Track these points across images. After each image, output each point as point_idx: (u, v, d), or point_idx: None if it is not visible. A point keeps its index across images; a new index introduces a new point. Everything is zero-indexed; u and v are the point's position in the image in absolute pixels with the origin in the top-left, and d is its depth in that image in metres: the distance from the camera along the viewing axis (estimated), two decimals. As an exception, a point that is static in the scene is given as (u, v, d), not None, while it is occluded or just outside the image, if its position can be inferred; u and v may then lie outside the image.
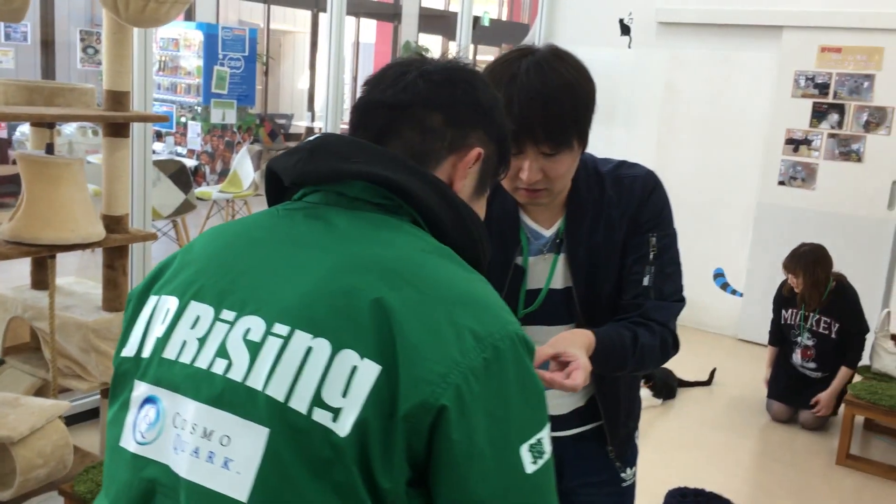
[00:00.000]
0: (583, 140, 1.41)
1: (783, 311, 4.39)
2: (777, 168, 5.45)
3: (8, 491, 2.19)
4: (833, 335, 4.19)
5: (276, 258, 0.89)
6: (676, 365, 4.62)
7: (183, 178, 6.02)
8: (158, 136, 9.71)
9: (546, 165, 1.37)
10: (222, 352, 0.84)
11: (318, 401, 0.79)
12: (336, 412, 0.78)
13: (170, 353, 0.88)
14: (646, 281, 1.46)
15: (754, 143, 5.57)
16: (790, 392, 4.34)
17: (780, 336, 4.44)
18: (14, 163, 2.79)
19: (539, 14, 6.34)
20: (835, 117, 5.24)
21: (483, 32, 13.66)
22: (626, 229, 1.48)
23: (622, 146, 6.01)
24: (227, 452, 0.81)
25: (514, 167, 1.36)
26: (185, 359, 0.87)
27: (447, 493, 0.80)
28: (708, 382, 4.82)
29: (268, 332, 0.83)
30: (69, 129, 7.27)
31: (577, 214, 1.49)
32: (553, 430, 0.98)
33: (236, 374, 0.83)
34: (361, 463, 0.78)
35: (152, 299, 0.95)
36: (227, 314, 0.86)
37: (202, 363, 0.85)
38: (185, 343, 0.87)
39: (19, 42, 8.80)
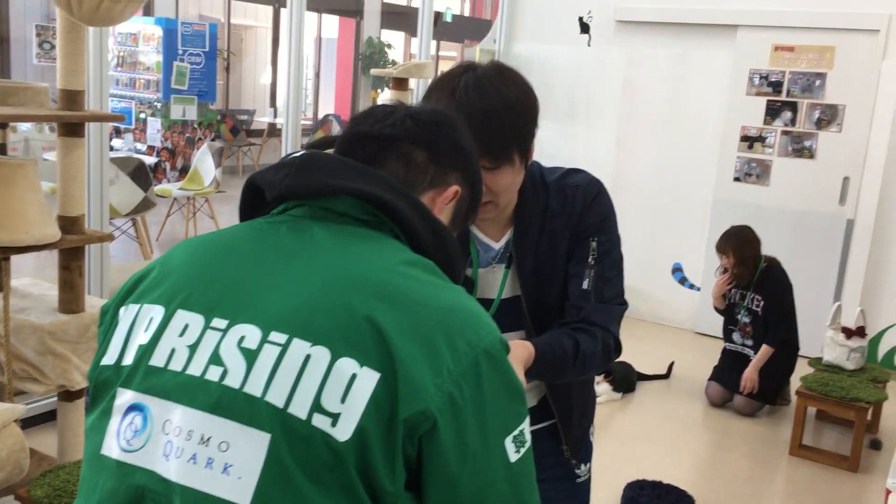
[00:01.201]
0: (524, 155, 1.42)
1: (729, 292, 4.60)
2: (732, 164, 5.55)
3: (-38, 496, 2.17)
4: (760, 312, 4.42)
5: (265, 269, 0.90)
6: (636, 359, 4.71)
7: (142, 175, 5.95)
8: (117, 133, 9.58)
9: (488, 179, 1.37)
10: (216, 359, 0.85)
11: (317, 406, 0.81)
12: (335, 417, 0.80)
13: (157, 360, 0.88)
14: (585, 284, 1.49)
15: (710, 140, 5.66)
16: (726, 373, 4.54)
17: (728, 318, 4.65)
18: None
19: (500, 11, 6.37)
20: (788, 115, 5.35)
21: (445, 28, 13.68)
22: (569, 237, 1.51)
23: (582, 143, 6.08)
24: (227, 458, 0.82)
25: None
26: (176, 366, 0.86)
27: (437, 492, 0.84)
28: (666, 376, 4.90)
29: (264, 340, 0.84)
30: (25, 125, 7.14)
31: (525, 226, 1.51)
32: None
33: (233, 381, 0.83)
34: (362, 468, 0.81)
35: (132, 308, 0.94)
36: (219, 322, 0.87)
37: (194, 370, 0.85)
38: (173, 351, 0.87)
39: (-28, 37, 8.62)
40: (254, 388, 0.82)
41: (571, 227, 1.51)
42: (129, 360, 0.90)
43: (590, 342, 1.46)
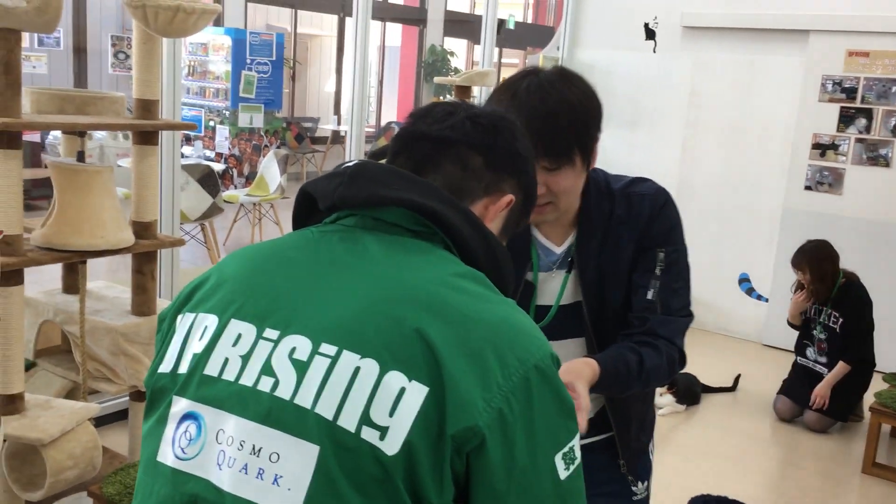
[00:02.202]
0: (587, 158, 1.41)
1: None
2: (804, 173, 5.41)
3: (38, 492, 2.25)
4: (838, 330, 4.26)
5: (316, 279, 0.91)
6: (701, 371, 4.61)
7: (211, 181, 6.10)
8: (187, 140, 9.83)
9: (549, 180, 1.37)
10: (268, 370, 0.86)
11: (366, 419, 0.81)
12: (384, 431, 0.81)
13: (211, 369, 0.89)
14: (650, 295, 1.47)
15: (780, 148, 5.53)
16: (796, 388, 4.40)
17: (803, 332, 4.52)
18: (47, 166, 2.87)
19: (564, 18, 6.34)
20: (862, 122, 5.19)
21: (508, 36, 13.68)
22: (634, 246, 1.49)
23: (647, 150, 6.00)
24: (277, 469, 0.82)
25: None
26: (229, 376, 0.88)
27: None
28: (732, 388, 4.79)
29: (314, 352, 0.85)
30: (101, 133, 7.39)
31: (588, 232, 1.50)
32: None
33: (284, 393, 0.84)
34: (409, 481, 0.81)
35: (188, 317, 0.96)
36: (271, 333, 0.88)
37: (247, 381, 0.86)
38: (227, 360, 0.88)
39: (52, 48, 8.96)
40: (304, 399, 0.83)
41: (637, 237, 1.49)
42: (184, 368, 0.92)
43: (654, 356, 1.44)
